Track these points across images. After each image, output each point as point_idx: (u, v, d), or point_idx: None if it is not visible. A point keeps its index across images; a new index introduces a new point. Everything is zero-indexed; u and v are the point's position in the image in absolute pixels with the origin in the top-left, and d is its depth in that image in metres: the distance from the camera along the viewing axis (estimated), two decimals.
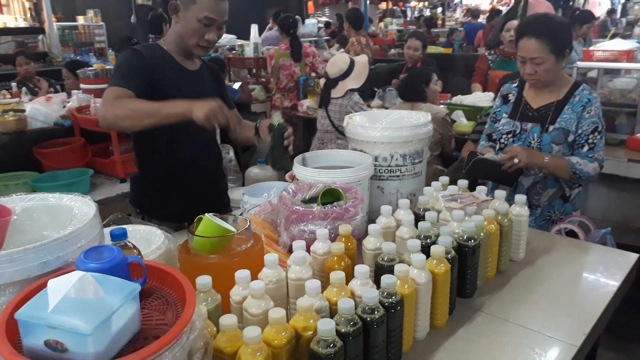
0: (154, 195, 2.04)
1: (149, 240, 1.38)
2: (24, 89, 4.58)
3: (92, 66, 4.17)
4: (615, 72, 3.73)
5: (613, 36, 4.84)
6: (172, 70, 1.92)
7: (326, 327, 0.95)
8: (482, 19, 11.77)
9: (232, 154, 3.69)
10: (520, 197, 1.62)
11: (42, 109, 3.28)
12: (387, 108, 4.06)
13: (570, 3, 10.53)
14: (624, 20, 12.45)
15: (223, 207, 2.18)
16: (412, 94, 3.23)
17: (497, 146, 2.26)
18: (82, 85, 3.68)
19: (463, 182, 1.76)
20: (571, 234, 1.96)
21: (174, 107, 1.68)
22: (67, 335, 0.72)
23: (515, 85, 2.28)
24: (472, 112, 3.81)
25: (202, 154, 2.04)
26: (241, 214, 1.74)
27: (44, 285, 0.86)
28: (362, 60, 3.65)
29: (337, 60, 3.62)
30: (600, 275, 1.57)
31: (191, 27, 1.84)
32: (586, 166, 2.03)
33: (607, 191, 3.20)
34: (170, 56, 1.93)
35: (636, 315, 2.80)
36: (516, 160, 1.95)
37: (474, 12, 11.12)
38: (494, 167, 2.01)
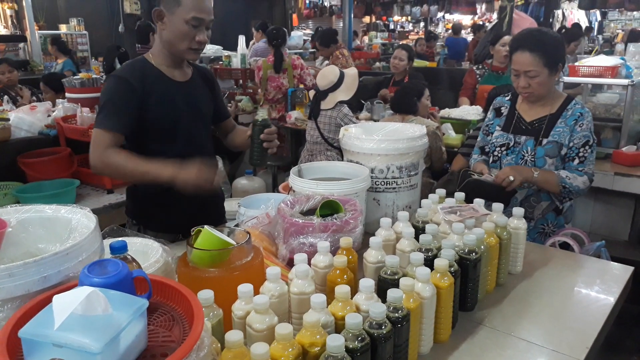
0: (151, 206, 2.00)
1: (146, 253, 1.34)
2: (5, 97, 4.49)
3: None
4: (598, 88, 3.82)
5: (597, 53, 4.95)
6: (161, 86, 1.87)
7: (335, 343, 0.93)
8: (463, 34, 12.00)
9: (221, 164, 3.65)
10: (518, 210, 1.63)
11: (27, 118, 3.20)
12: (375, 120, 4.08)
13: (551, 20, 10.81)
14: (600, 37, 12.80)
15: (220, 218, 2.16)
16: (405, 106, 3.25)
17: (491, 159, 2.27)
18: (67, 95, 3.61)
19: (460, 195, 1.76)
20: (565, 246, 1.98)
21: (159, 172, 1.75)
22: (75, 354, 0.69)
23: (507, 98, 2.31)
24: (461, 125, 3.84)
25: (201, 158, 2.00)
26: (236, 226, 1.72)
27: (45, 300, 0.83)
28: (351, 72, 3.67)
29: (327, 72, 3.64)
30: (598, 288, 1.57)
31: (180, 31, 1.79)
32: (575, 180, 2.05)
33: (594, 204, 3.25)
34: (158, 71, 1.89)
35: (626, 327, 2.83)
36: (511, 178, 1.96)
37: (455, 28, 11.30)
38: (487, 188, 2.00)
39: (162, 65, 1.90)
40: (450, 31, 12.46)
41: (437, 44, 10.33)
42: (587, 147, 2.08)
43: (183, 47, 1.83)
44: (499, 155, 2.22)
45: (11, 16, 8.76)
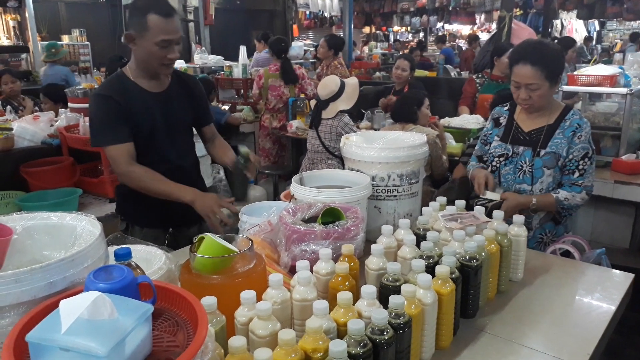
0: (137, 203, 2.09)
1: (149, 260, 1.35)
2: (8, 107, 4.52)
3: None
4: (598, 97, 3.84)
5: (595, 62, 4.99)
6: (138, 98, 1.99)
7: (338, 348, 0.93)
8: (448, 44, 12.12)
9: (222, 173, 3.67)
10: (519, 218, 1.64)
11: (30, 128, 3.23)
12: (376, 129, 4.09)
13: (549, 30, 10.88)
14: (599, 47, 12.88)
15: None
16: (405, 115, 3.27)
17: (489, 169, 2.27)
18: (70, 105, 3.64)
19: (460, 202, 1.77)
20: (566, 254, 1.98)
21: (181, 195, 1.93)
22: (81, 357, 0.70)
23: (506, 108, 2.32)
24: (461, 134, 3.86)
25: (180, 163, 2.12)
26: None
27: (51, 306, 0.84)
28: (352, 82, 3.69)
29: (327, 82, 3.66)
30: (599, 295, 1.58)
31: (150, 52, 1.91)
32: (574, 199, 2.06)
33: (594, 212, 3.26)
34: (134, 84, 2.01)
35: (628, 336, 2.82)
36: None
37: (441, 38, 11.60)
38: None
39: (139, 77, 2.01)
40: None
41: (436, 53, 10.41)
42: (586, 159, 2.08)
43: (156, 65, 1.96)
44: (497, 165, 2.23)
45: (14, 27, 8.83)
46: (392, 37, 16.62)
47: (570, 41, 5.75)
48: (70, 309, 0.73)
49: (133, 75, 2.01)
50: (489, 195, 2.07)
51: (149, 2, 1.89)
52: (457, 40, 13.98)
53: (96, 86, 3.96)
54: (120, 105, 1.93)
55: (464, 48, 11.32)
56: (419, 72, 6.28)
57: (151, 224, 2.13)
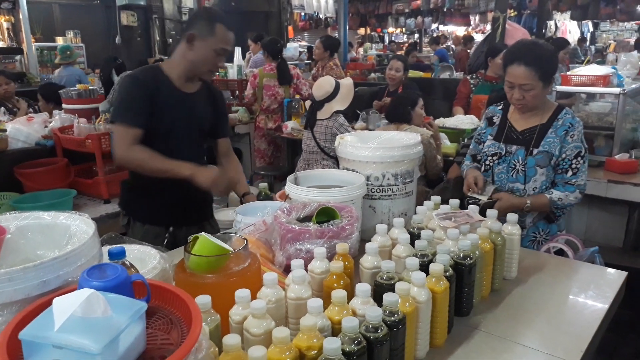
0: (140, 198, 2.12)
1: (144, 260, 1.35)
2: (2, 109, 4.50)
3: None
4: (591, 97, 3.86)
5: (588, 62, 5.02)
6: (167, 94, 2.02)
7: (332, 345, 0.94)
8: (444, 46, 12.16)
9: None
10: (512, 216, 1.65)
11: (24, 129, 3.22)
12: (371, 129, 4.10)
13: (543, 31, 10.93)
14: (593, 47, 12.95)
15: (207, 217, 2.26)
16: (399, 116, 3.28)
17: (483, 168, 2.29)
18: (64, 106, 3.64)
19: (454, 202, 1.78)
20: (559, 252, 1.99)
21: (180, 170, 1.94)
22: (74, 355, 0.70)
23: (500, 107, 2.33)
24: (455, 135, 3.87)
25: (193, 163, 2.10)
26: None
27: (45, 304, 0.83)
28: (347, 82, 3.69)
29: (322, 82, 3.66)
30: (592, 293, 1.59)
31: (206, 56, 2.00)
32: (567, 198, 2.08)
33: (588, 212, 3.27)
34: (167, 80, 2.04)
35: (622, 334, 2.84)
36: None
37: (435, 40, 11.64)
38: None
39: (174, 75, 2.06)
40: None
41: (431, 54, 10.45)
42: (579, 158, 2.10)
43: (205, 69, 2.05)
44: (491, 164, 2.24)
45: (8, 29, 8.80)
46: (387, 39, 16.66)
47: (563, 42, 5.78)
48: (64, 306, 0.73)
49: (168, 70, 2.06)
50: (476, 196, 2.10)
51: (219, 13, 2.05)
52: (448, 42, 13.99)
53: (91, 87, 3.95)
54: (148, 90, 1.98)
55: (454, 49, 11.34)
56: (414, 73, 6.30)
57: (153, 220, 2.14)
